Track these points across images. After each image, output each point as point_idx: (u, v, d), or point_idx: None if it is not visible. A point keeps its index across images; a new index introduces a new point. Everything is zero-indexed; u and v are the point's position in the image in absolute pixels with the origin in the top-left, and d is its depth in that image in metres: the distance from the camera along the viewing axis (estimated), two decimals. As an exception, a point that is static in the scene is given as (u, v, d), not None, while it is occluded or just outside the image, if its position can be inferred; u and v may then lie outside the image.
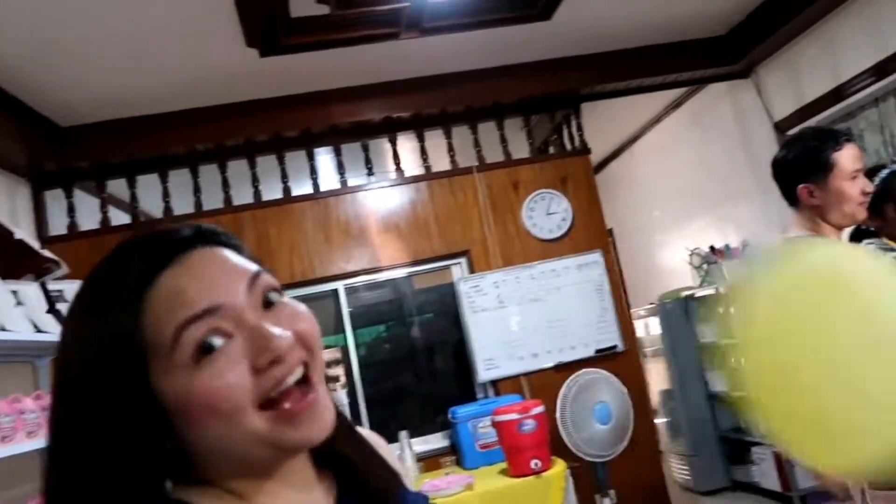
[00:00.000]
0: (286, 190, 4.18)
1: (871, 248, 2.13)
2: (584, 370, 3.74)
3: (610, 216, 6.27)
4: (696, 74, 4.52)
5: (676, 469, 5.01)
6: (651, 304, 5.15)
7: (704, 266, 4.81)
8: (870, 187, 1.82)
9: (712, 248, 4.78)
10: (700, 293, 4.79)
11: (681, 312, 4.87)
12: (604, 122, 5.23)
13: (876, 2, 3.59)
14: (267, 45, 3.45)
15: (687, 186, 5.48)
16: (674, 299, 4.93)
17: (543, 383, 3.97)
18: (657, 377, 5.18)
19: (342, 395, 3.90)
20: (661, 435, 5.02)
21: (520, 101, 4.42)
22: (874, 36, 3.62)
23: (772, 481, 4.24)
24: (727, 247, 4.69)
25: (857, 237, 2.28)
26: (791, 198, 1.85)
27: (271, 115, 4.03)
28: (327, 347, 3.99)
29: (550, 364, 4.08)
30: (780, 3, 3.90)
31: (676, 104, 5.31)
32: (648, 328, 5.25)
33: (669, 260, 5.70)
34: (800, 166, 1.81)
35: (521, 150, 4.54)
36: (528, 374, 4.06)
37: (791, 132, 4.27)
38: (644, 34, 4.15)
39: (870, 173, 2.20)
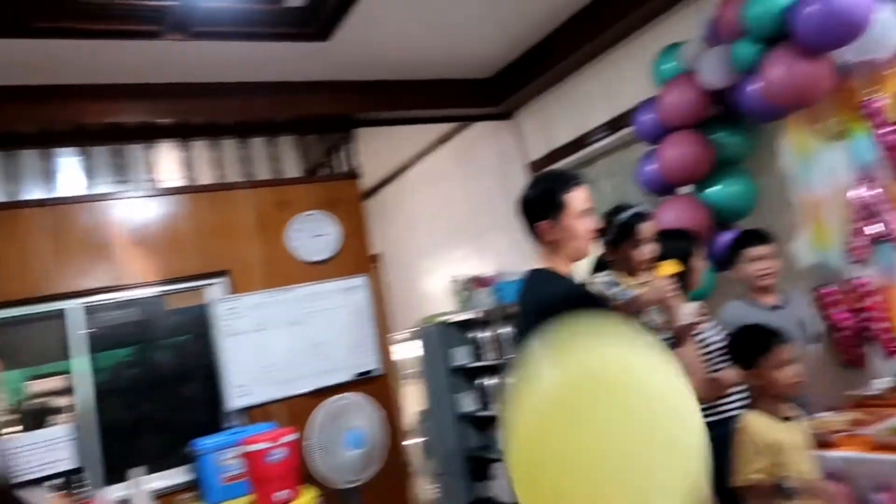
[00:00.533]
0: (14, 193, 3.66)
1: (604, 280, 2.38)
2: (338, 395, 3.73)
3: (381, 240, 6.42)
4: (463, 112, 4.80)
5: (428, 488, 5.19)
6: (414, 327, 5.32)
7: (464, 292, 5.08)
8: (598, 225, 2.05)
9: (470, 275, 5.07)
10: (457, 318, 5.05)
11: (438, 336, 5.08)
12: (380, 148, 5.35)
13: (613, 65, 4.10)
14: (5, 25, 3.01)
15: (452, 217, 5.77)
16: (433, 323, 5.13)
17: (299, 409, 3.87)
18: (417, 399, 5.35)
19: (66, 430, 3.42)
20: (417, 455, 5.17)
21: (294, 119, 4.34)
22: (610, 95, 4.13)
23: (509, 495, 4.55)
24: (483, 276, 5.01)
25: (598, 268, 2.53)
26: (532, 233, 2.03)
27: (3, 107, 3.52)
28: (55, 374, 3.55)
29: (307, 389, 4.01)
30: (535, 57, 4.30)
31: (446, 138, 5.59)
32: (410, 351, 5.41)
33: (434, 285, 5.95)
34: (538, 205, 2.01)
35: (292, 169, 4.46)
36: (283, 401, 3.95)
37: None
38: (419, 68, 4.33)
39: (614, 212, 2.47)
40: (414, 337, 5.28)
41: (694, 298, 2.99)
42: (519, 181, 4.83)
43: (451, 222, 5.80)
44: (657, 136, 3.36)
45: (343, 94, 4.34)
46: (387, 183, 6.65)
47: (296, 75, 4.10)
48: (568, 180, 2.03)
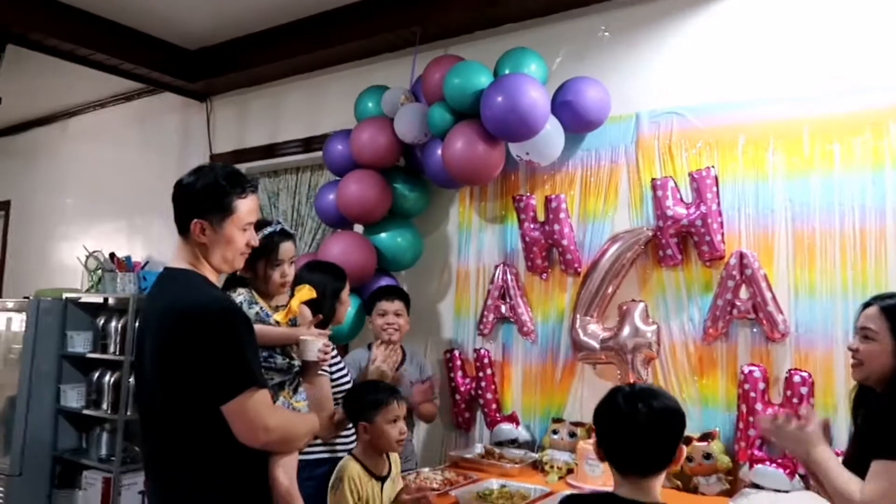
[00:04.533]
0: None
1: (241, 298, 2.17)
2: None
3: (11, 186, 5.39)
4: (152, 74, 4.25)
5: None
6: (25, 297, 4.48)
7: (99, 272, 4.45)
8: (255, 241, 1.84)
9: (112, 255, 4.46)
10: (85, 299, 4.38)
11: (56, 315, 4.35)
12: (38, 79, 4.47)
13: (320, 86, 4.00)
14: None
15: (110, 184, 5.06)
16: (53, 298, 4.39)
17: None
18: (11, 381, 4.50)
19: None
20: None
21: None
22: (309, 113, 4.01)
23: (95, 508, 4.03)
24: (129, 258, 4.44)
25: (231, 284, 2.29)
26: (182, 226, 1.74)
27: None
28: None
29: None
30: (242, 48, 4.01)
31: (127, 96, 4.92)
32: (13, 324, 4.55)
33: (66, 255, 5.11)
34: (200, 199, 1.73)
35: None
36: None
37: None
38: (111, 6, 3.73)
39: (258, 226, 2.25)
40: (23, 309, 4.44)
41: (340, 334, 2.99)
42: (194, 170, 4.46)
43: (106, 190, 5.08)
44: (344, 168, 3.32)
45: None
46: (41, 124, 5.61)
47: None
48: (243, 183, 1.78)
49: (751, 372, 2.49)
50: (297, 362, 2.11)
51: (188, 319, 1.63)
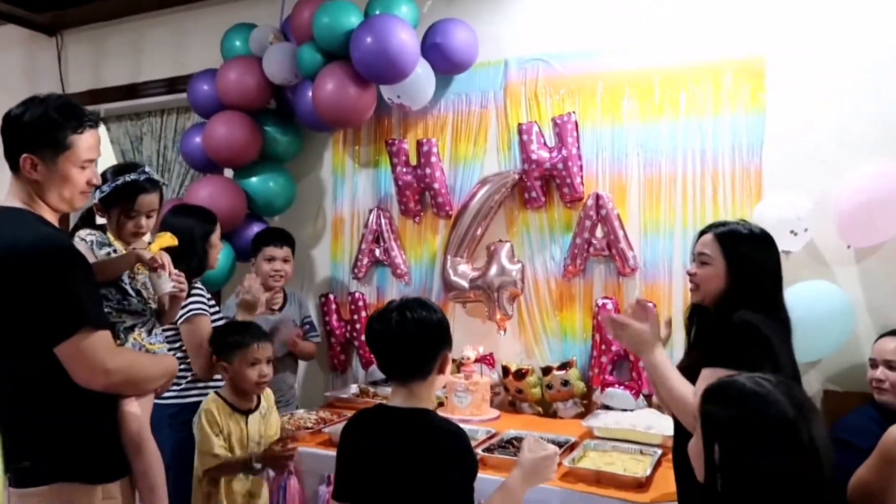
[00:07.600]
0: None
1: (92, 238, 2.03)
2: None
3: None
4: (-10, 4, 3.86)
5: None
6: None
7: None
8: (97, 179, 1.72)
9: None
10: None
11: None
12: None
13: (183, 23, 3.78)
14: None
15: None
16: None
17: None
18: None
19: None
20: None
21: None
22: (175, 52, 3.80)
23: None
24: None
25: (84, 226, 2.14)
26: (13, 162, 1.62)
27: None
28: None
29: None
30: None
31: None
32: None
33: None
34: (32, 133, 1.58)
35: None
36: None
37: (80, 110, 4.08)
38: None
39: (121, 170, 2.09)
40: None
41: (212, 279, 2.92)
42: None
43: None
44: (211, 110, 3.19)
45: None
46: None
47: None
48: (80, 117, 1.64)
49: (604, 304, 2.70)
50: (152, 304, 2.04)
51: (16, 258, 1.53)
